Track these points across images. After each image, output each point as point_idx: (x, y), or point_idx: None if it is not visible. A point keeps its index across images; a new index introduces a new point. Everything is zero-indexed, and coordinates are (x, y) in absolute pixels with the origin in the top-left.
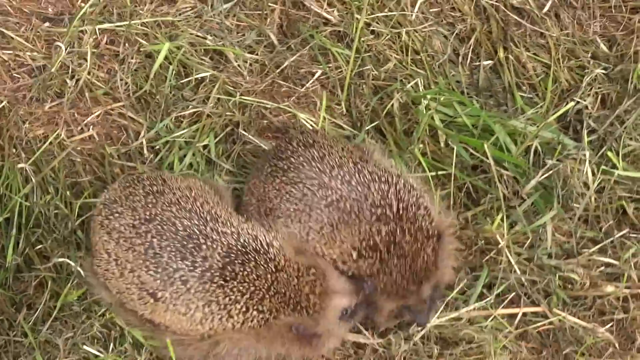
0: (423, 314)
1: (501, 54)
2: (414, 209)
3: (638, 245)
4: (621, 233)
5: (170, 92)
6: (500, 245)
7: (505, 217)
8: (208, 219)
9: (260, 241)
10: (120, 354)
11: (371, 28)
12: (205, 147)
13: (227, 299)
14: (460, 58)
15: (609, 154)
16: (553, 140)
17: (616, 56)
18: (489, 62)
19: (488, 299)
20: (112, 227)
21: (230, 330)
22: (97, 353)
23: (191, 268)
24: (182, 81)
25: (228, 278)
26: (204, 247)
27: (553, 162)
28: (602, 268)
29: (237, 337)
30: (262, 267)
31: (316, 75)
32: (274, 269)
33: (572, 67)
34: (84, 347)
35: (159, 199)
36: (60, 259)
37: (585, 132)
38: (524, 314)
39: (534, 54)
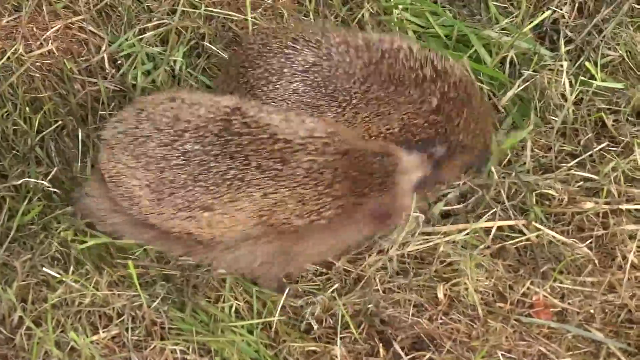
0: (484, 161)
1: None
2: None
3: (617, 158)
4: (600, 146)
5: (133, 4)
6: None
7: None
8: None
9: (311, 128)
10: (81, 276)
11: None
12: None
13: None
14: None
15: (587, 64)
16: (529, 50)
17: None
18: None
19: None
20: (138, 153)
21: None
22: (57, 275)
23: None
24: None
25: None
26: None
27: (529, 72)
28: (581, 183)
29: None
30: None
31: None
32: (337, 154)
33: None
34: (43, 269)
35: (181, 114)
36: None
37: (562, 41)
38: (500, 230)
39: None
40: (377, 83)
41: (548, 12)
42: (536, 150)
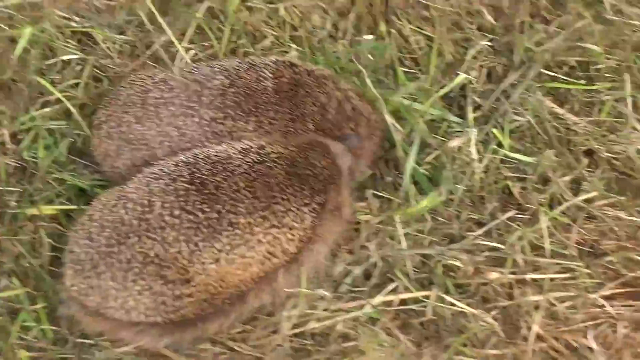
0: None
1: (383, 27)
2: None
3: (523, 227)
4: (507, 215)
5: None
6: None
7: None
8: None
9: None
10: None
11: (247, 4)
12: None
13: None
14: (340, 33)
15: (494, 131)
16: (438, 118)
17: (502, 27)
18: (371, 36)
19: (364, 288)
20: None
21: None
22: None
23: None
24: (47, 62)
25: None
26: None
27: (439, 139)
28: (487, 253)
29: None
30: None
31: (189, 54)
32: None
33: (457, 39)
34: None
35: None
36: None
37: (470, 108)
38: (405, 303)
39: (418, 27)
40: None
41: (461, 76)
42: (441, 219)
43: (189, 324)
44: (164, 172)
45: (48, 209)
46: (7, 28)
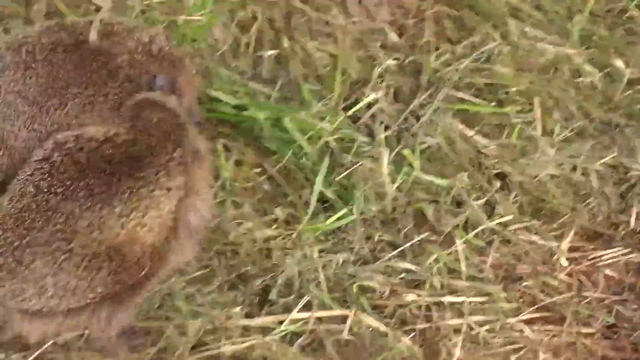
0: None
1: (285, 44)
2: None
3: (439, 249)
4: (421, 236)
5: None
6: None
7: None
8: None
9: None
10: None
11: (145, 16)
12: None
13: None
14: (242, 48)
15: (406, 152)
16: (346, 137)
17: (408, 46)
18: (274, 51)
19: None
20: None
21: None
22: None
23: None
24: None
25: None
26: None
27: (350, 159)
28: (404, 275)
29: None
30: None
31: None
32: None
33: (361, 57)
34: None
35: None
36: None
37: (381, 127)
38: (321, 322)
39: (321, 43)
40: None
41: (370, 97)
42: (353, 240)
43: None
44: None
45: None
46: None
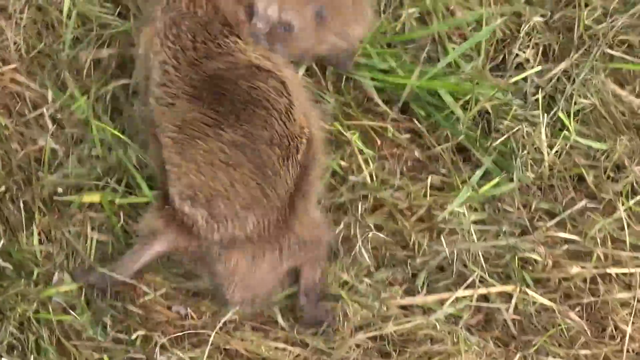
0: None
1: (427, 1)
2: None
3: (600, 218)
4: (580, 204)
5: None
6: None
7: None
8: None
9: None
10: None
11: None
12: None
13: None
14: (382, 6)
15: (561, 115)
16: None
17: (553, 1)
18: (414, 9)
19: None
20: None
21: None
22: None
23: None
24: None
25: None
26: None
27: (507, 124)
28: (566, 246)
29: None
30: None
31: None
32: None
33: (505, 13)
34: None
35: None
36: None
37: (539, 94)
38: (485, 300)
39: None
40: None
41: (534, 69)
42: (508, 208)
43: None
44: None
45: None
46: None
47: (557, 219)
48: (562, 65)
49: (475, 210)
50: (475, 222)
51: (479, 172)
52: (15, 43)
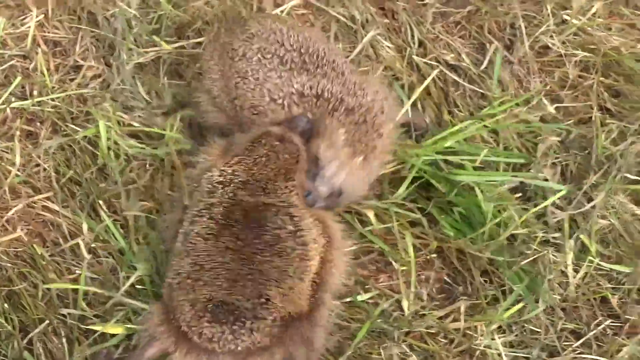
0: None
1: (446, 116)
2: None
3: (626, 339)
4: (605, 324)
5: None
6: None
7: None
8: None
9: None
10: None
11: None
12: None
13: None
14: None
15: (582, 237)
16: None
17: (565, 121)
18: None
19: None
20: None
21: None
22: None
23: None
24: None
25: None
26: None
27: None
28: None
29: None
30: None
31: None
32: None
33: (522, 133)
34: None
35: None
36: None
37: (559, 213)
38: None
39: (480, 119)
40: None
41: (559, 194)
42: (534, 328)
43: None
44: None
45: None
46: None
47: (583, 339)
48: (584, 189)
49: (503, 332)
50: (504, 345)
51: (510, 299)
52: (44, 170)
